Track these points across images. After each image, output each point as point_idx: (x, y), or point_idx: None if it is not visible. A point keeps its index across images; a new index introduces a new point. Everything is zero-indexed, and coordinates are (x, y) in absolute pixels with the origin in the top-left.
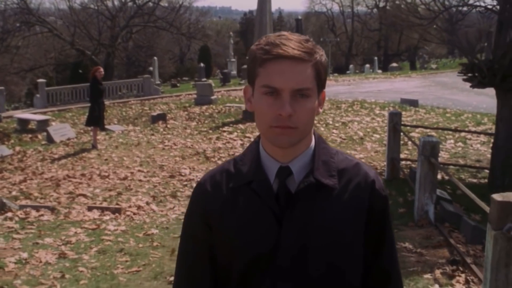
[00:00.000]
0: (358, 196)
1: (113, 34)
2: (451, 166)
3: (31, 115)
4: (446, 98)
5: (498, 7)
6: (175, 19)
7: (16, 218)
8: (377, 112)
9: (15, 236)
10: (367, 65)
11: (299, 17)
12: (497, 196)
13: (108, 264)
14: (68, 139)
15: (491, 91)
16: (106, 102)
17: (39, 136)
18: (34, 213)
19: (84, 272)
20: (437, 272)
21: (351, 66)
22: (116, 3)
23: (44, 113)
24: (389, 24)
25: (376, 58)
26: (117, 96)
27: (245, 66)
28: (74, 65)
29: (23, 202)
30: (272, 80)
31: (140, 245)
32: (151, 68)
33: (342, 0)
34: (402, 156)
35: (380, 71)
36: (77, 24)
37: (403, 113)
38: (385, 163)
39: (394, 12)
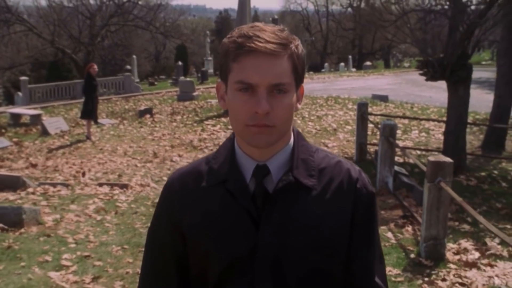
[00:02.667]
0: (341, 196)
1: (93, 33)
2: (413, 152)
3: (24, 110)
4: (415, 94)
5: (449, 13)
6: (153, 18)
7: (38, 193)
8: (350, 106)
9: (43, 203)
10: (342, 64)
11: (275, 17)
12: (431, 158)
13: (128, 221)
14: (62, 131)
15: None
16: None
17: (33, 130)
18: (52, 189)
19: (110, 227)
20: (391, 225)
21: (326, 64)
22: (94, 2)
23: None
24: (363, 24)
25: (350, 56)
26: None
27: None
28: (51, 63)
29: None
30: (247, 75)
31: (151, 210)
32: (128, 67)
33: None
34: (370, 145)
35: (354, 69)
36: (56, 22)
37: (374, 107)
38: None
39: (367, 12)
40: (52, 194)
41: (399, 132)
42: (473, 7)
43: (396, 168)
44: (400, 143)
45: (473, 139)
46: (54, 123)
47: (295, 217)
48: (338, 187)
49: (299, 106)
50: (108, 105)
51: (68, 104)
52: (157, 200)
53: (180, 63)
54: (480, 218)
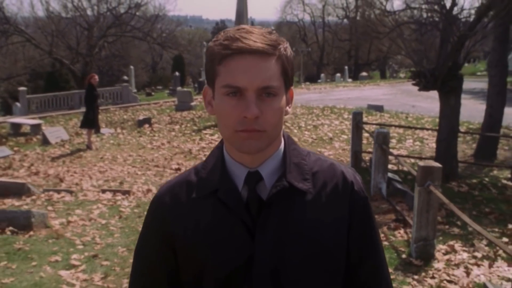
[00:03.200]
0: (336, 200)
1: (91, 44)
2: (407, 160)
3: (25, 120)
4: (410, 104)
5: (440, 25)
6: (151, 29)
7: (42, 199)
8: (346, 116)
9: (48, 208)
10: (338, 74)
11: (272, 27)
12: (421, 163)
13: (132, 225)
14: (63, 140)
15: None
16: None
17: (34, 139)
18: (56, 195)
19: (115, 230)
20: (384, 228)
21: (322, 75)
22: (91, 13)
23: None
24: (359, 35)
25: (346, 67)
26: (98, 104)
27: None
28: (48, 74)
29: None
30: (235, 79)
31: None
32: (125, 77)
33: (313, 10)
34: (366, 153)
35: (350, 80)
36: (55, 33)
37: (369, 117)
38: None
39: (363, 23)
40: (57, 200)
41: (393, 141)
42: (463, 20)
43: (390, 175)
44: (395, 152)
45: (466, 148)
46: (55, 133)
47: (291, 223)
48: (333, 191)
49: (289, 109)
50: (107, 115)
51: (67, 114)
52: None
53: (177, 73)
54: (466, 218)
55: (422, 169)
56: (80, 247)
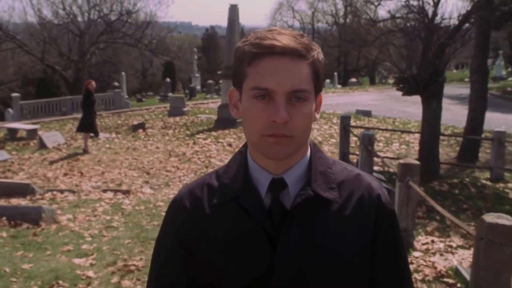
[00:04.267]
0: (362, 212)
1: (83, 50)
2: (393, 162)
3: (21, 125)
4: (398, 110)
5: (422, 33)
6: (142, 36)
7: (47, 199)
8: (335, 121)
9: (54, 206)
10: (328, 80)
11: None
12: (401, 161)
13: (134, 220)
14: (59, 144)
15: None
16: (78, 115)
17: (31, 143)
18: (59, 194)
19: (119, 225)
20: None
21: None
22: (83, 19)
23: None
24: (347, 43)
25: (336, 73)
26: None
27: (209, 81)
28: (40, 80)
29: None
30: (264, 81)
31: (154, 211)
32: (116, 83)
33: (302, 16)
34: (354, 155)
35: (339, 86)
36: (47, 40)
37: (358, 122)
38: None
39: (352, 29)
40: (61, 199)
41: (381, 144)
42: (443, 28)
43: (375, 174)
44: (382, 155)
45: (450, 151)
46: (52, 137)
47: (314, 234)
48: (359, 202)
49: (317, 116)
50: (101, 120)
51: (60, 120)
52: (158, 204)
53: (168, 79)
54: (439, 208)
55: (402, 166)
56: (89, 239)
